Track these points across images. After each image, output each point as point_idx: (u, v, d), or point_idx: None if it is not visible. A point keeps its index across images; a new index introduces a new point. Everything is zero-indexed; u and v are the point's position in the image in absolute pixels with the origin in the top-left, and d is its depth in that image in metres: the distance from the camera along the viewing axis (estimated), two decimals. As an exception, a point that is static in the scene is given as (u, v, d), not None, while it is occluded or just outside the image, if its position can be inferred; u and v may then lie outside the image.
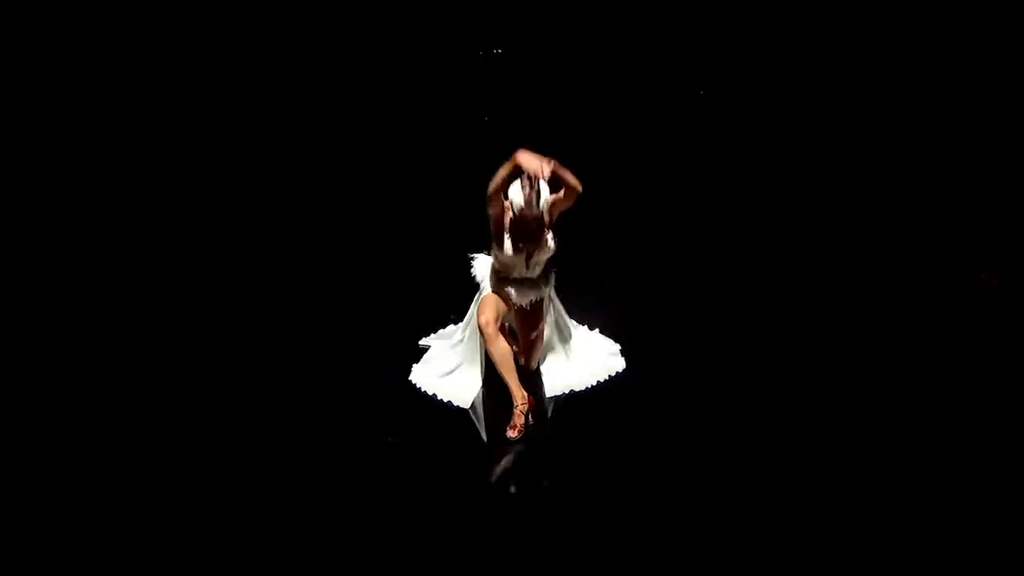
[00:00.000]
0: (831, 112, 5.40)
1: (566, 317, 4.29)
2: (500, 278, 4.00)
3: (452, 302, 4.49)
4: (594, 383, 4.24)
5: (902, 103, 5.35)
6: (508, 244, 3.84)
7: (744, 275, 5.28)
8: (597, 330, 4.51)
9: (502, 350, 3.91)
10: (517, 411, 3.87)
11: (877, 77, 5.31)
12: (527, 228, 3.76)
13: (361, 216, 5.49)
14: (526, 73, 3.82)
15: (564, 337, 4.28)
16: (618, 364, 4.36)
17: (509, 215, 3.76)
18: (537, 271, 3.97)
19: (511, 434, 3.81)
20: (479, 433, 3.81)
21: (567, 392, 4.20)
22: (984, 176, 5.27)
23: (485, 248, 4.09)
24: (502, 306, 3.97)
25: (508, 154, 3.72)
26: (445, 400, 4.11)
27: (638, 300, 5.16)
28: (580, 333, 4.38)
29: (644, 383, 4.28)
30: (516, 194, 3.67)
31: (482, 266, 4.09)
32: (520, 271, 3.95)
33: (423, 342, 4.51)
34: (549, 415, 4.02)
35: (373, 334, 4.94)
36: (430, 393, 4.15)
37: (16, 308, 4.84)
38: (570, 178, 3.68)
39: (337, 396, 4.25)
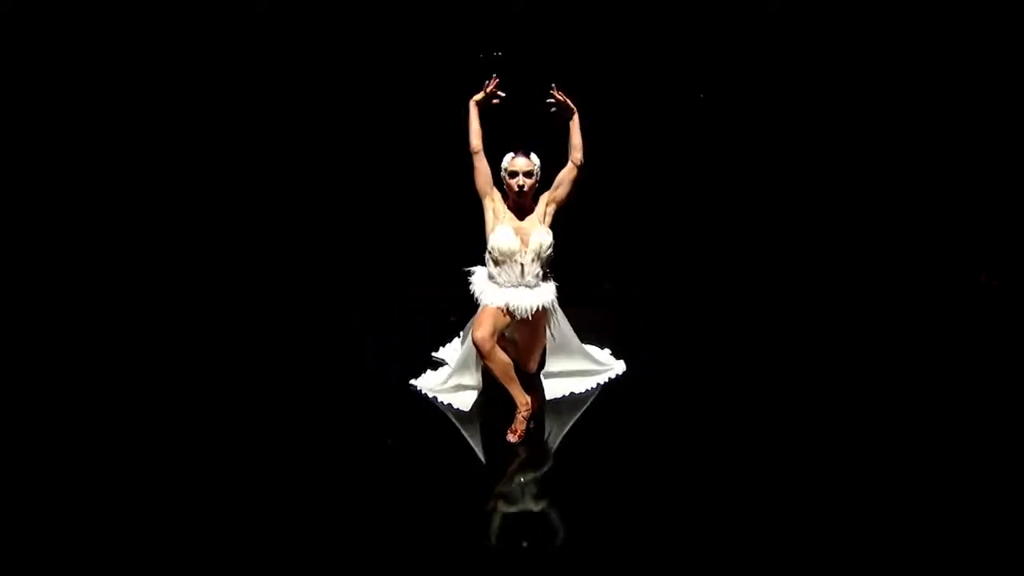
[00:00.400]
0: (831, 115, 5.36)
1: (569, 328, 4.23)
2: (497, 287, 3.95)
3: (452, 302, 4.48)
4: (594, 385, 4.24)
5: (902, 106, 5.30)
6: (503, 229, 3.87)
7: (744, 276, 5.27)
8: (608, 350, 4.49)
9: (501, 363, 3.85)
10: (520, 416, 3.84)
11: (877, 79, 5.27)
12: (522, 201, 3.91)
13: (362, 218, 5.47)
14: (526, 76, 3.80)
15: (565, 344, 4.22)
16: (618, 367, 4.37)
17: (495, 206, 3.92)
18: (532, 272, 3.92)
19: (511, 438, 3.79)
20: (477, 454, 3.75)
21: (567, 394, 4.18)
22: (984, 177, 5.25)
23: (481, 252, 4.05)
24: (500, 320, 3.90)
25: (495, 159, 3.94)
26: (445, 403, 4.12)
27: (638, 300, 5.16)
28: (579, 343, 4.31)
29: (644, 383, 4.27)
30: (508, 159, 3.93)
31: (480, 279, 4.06)
32: (515, 275, 3.92)
33: (436, 355, 4.51)
34: (548, 430, 3.99)
35: (373, 334, 4.95)
36: (431, 396, 4.16)
37: (17, 309, 4.84)
38: (576, 136, 3.92)
39: (337, 396, 4.24)
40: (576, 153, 3.93)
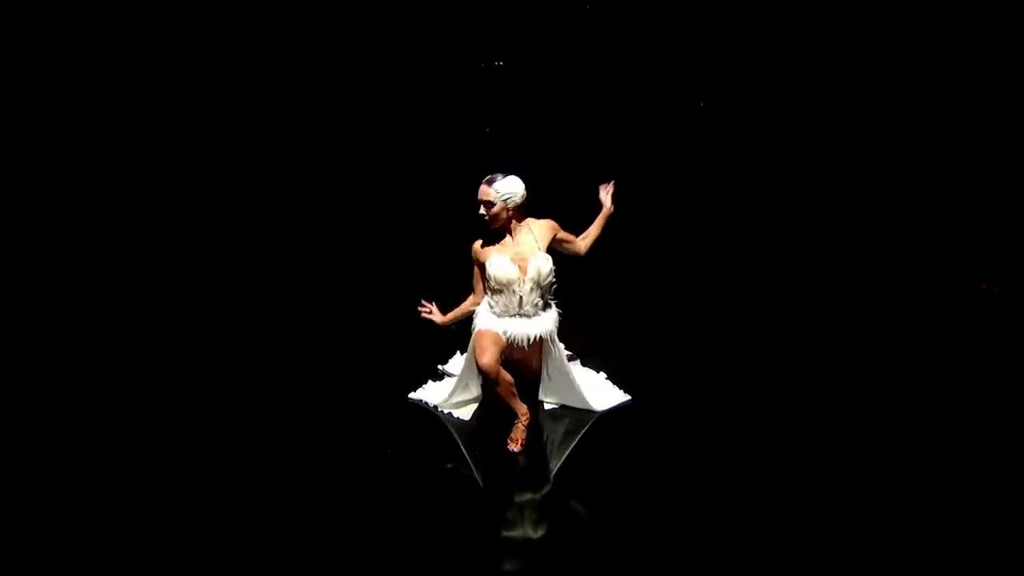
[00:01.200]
0: (831, 122, 5.28)
1: (564, 365, 4.05)
2: (495, 317, 3.88)
3: (452, 302, 4.46)
4: (594, 404, 4.13)
5: (903, 114, 5.23)
6: (499, 259, 3.80)
7: (743, 285, 5.24)
8: (603, 374, 4.39)
9: (505, 383, 3.81)
10: (520, 425, 3.84)
11: (877, 83, 5.20)
12: (511, 227, 3.85)
13: (362, 218, 5.44)
14: (525, 83, 3.76)
15: (560, 383, 4.10)
16: (618, 399, 4.21)
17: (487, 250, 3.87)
18: (531, 301, 3.84)
19: (512, 447, 3.79)
20: (478, 465, 3.69)
21: (563, 404, 4.15)
22: (986, 185, 5.21)
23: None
24: (500, 341, 3.84)
25: (497, 165, 3.87)
26: (445, 413, 4.12)
27: (638, 301, 5.15)
28: (576, 383, 4.13)
29: (644, 388, 4.28)
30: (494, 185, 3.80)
31: (480, 310, 3.99)
32: (513, 306, 3.84)
33: (442, 367, 4.50)
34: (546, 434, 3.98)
35: (373, 336, 4.94)
36: (432, 406, 4.16)
37: (17, 309, 4.82)
38: (597, 230, 4.10)
39: (336, 396, 4.25)
40: (584, 243, 4.06)
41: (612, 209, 4.14)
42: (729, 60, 5.17)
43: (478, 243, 3.94)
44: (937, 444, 3.78)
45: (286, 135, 5.08)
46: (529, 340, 3.88)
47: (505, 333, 3.86)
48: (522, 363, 4.06)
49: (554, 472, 3.67)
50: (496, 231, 3.89)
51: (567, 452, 3.82)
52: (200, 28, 4.83)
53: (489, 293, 3.91)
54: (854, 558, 3.06)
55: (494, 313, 3.91)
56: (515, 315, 3.88)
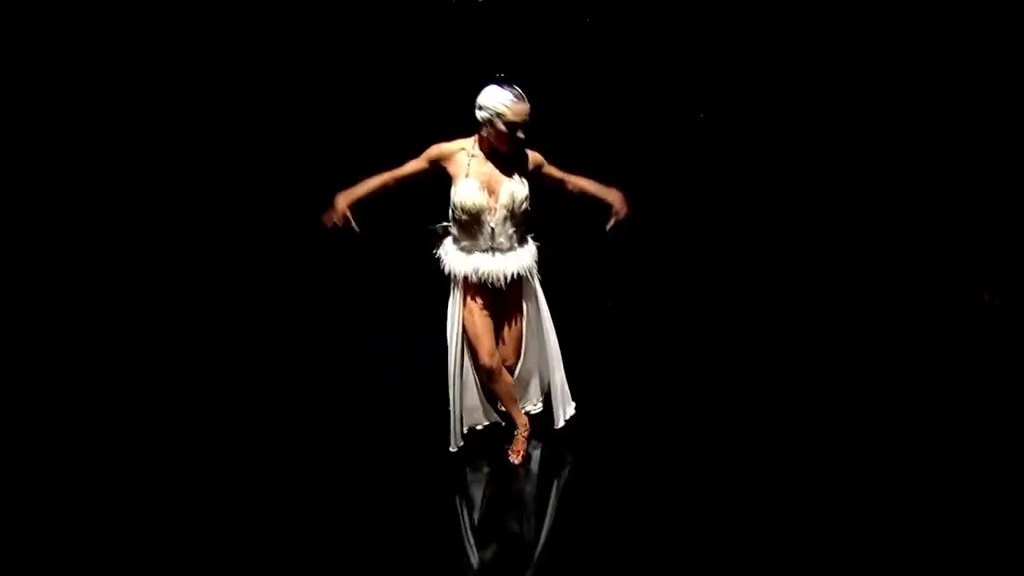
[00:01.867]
0: (831, 126, 5.22)
1: (546, 319, 3.61)
2: (465, 255, 3.38)
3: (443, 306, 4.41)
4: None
5: (905, 118, 5.17)
6: (468, 183, 3.30)
7: (742, 290, 5.23)
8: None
9: (506, 385, 3.64)
10: (520, 436, 3.77)
11: (875, 90, 5.13)
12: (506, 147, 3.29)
13: (361, 220, 5.42)
14: (525, 87, 3.71)
15: (545, 331, 3.63)
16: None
17: (463, 159, 3.36)
18: (505, 233, 3.36)
19: (513, 459, 3.74)
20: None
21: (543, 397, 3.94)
22: (986, 190, 5.17)
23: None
24: (488, 322, 3.41)
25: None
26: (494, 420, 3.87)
27: (637, 299, 5.15)
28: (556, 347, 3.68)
29: (641, 385, 4.30)
30: (504, 101, 3.30)
31: (448, 242, 3.51)
32: (485, 239, 3.36)
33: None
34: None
35: (373, 334, 4.95)
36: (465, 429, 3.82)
37: (15, 309, 4.81)
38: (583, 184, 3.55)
39: (336, 397, 4.27)
40: (571, 179, 3.48)
41: (613, 199, 3.50)
42: (727, 62, 5.09)
43: (444, 144, 3.42)
44: (936, 451, 3.80)
45: (285, 136, 5.02)
46: (506, 279, 3.38)
47: (477, 271, 3.37)
48: (504, 345, 3.62)
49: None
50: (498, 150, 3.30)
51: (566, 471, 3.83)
52: (204, 29, 4.76)
53: (457, 226, 3.39)
54: (853, 563, 3.07)
55: (462, 249, 3.41)
56: (487, 250, 3.40)
